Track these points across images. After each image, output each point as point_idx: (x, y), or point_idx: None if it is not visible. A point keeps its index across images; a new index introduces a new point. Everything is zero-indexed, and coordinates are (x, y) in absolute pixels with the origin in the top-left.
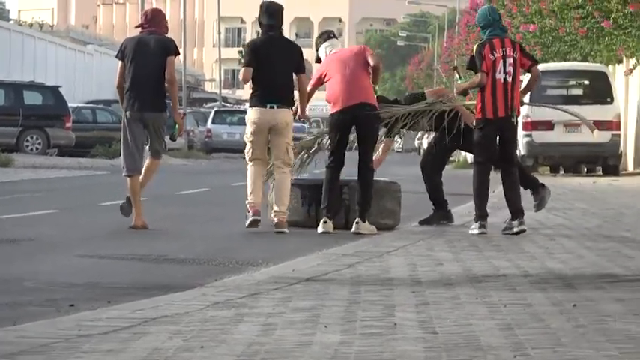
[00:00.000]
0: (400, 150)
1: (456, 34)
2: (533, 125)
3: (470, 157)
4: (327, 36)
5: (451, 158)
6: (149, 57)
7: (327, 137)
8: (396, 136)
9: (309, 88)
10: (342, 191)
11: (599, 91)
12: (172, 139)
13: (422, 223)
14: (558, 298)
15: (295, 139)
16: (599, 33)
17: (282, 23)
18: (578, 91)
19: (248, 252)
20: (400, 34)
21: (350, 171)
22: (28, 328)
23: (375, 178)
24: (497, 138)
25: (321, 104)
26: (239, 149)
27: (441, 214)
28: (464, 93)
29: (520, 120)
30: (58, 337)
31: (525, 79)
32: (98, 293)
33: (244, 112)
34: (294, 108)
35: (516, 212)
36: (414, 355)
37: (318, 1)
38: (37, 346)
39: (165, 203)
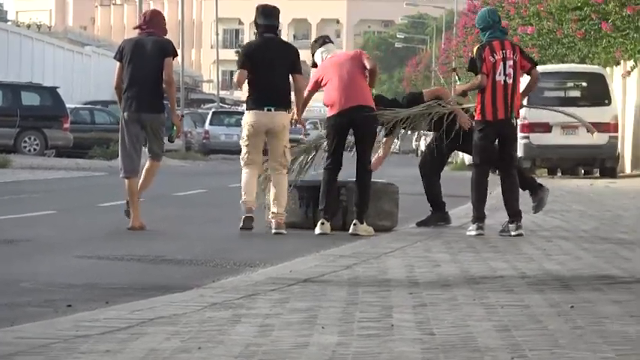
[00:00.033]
0: (397, 151)
1: (454, 35)
2: (530, 127)
3: (467, 158)
4: (322, 41)
5: (449, 160)
6: (147, 58)
7: (325, 141)
8: (395, 138)
9: (305, 93)
10: (339, 193)
11: (597, 93)
12: (170, 140)
13: (419, 224)
14: (556, 299)
15: (291, 140)
16: (596, 35)
17: (278, 24)
18: (576, 93)
19: (245, 253)
20: (398, 36)
21: (347, 172)
22: (26, 328)
23: (372, 180)
24: (497, 140)
25: (319, 105)
26: (237, 150)
27: (438, 216)
28: (463, 94)
29: (518, 122)
30: (56, 337)
31: (523, 81)
32: (96, 294)
33: (242, 113)
34: (290, 115)
35: (514, 215)
36: (411, 356)
37: (316, 3)
38: (35, 347)
39: (163, 204)
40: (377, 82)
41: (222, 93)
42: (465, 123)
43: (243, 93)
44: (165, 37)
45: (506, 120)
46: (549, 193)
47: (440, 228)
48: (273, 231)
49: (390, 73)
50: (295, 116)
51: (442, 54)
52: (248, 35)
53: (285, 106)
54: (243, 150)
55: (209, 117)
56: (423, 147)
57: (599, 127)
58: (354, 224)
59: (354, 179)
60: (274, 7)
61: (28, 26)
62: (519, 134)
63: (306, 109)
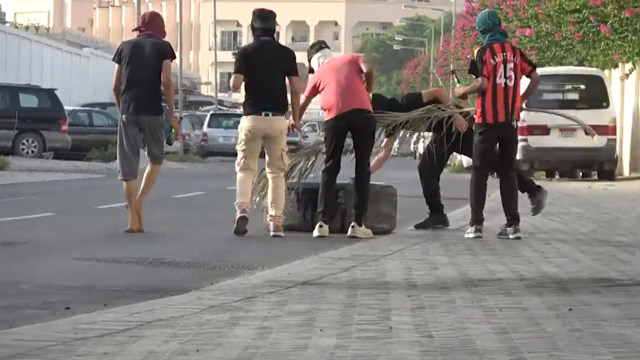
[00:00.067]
0: (396, 154)
1: (452, 37)
2: (529, 130)
3: (465, 160)
4: (319, 46)
5: (447, 162)
6: (145, 60)
7: (324, 145)
8: (395, 140)
9: (303, 98)
10: (337, 195)
11: (595, 95)
12: (169, 142)
13: (418, 227)
14: (554, 302)
15: (289, 143)
16: (595, 37)
17: (275, 28)
18: (575, 96)
19: (244, 256)
20: (396, 38)
21: (343, 173)
22: (24, 331)
23: (371, 182)
24: (497, 142)
25: (317, 108)
26: (235, 153)
27: (436, 218)
28: (463, 97)
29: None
30: (55, 340)
31: (523, 84)
32: (94, 296)
33: (240, 115)
34: (288, 121)
35: (513, 218)
36: (409, 359)
37: (315, 5)
38: (33, 349)
39: (161, 206)
40: (375, 85)
41: (221, 95)
42: (461, 126)
43: (241, 95)
44: (163, 39)
45: (506, 123)
46: (547, 195)
47: (438, 230)
48: (272, 233)
49: (389, 76)
50: (293, 122)
51: (440, 56)
52: (246, 37)
53: (283, 110)
54: (239, 155)
55: (207, 119)
56: (421, 149)
57: (598, 129)
58: (353, 227)
59: (353, 181)
60: (271, 11)
61: (27, 28)
62: (518, 137)
63: (304, 111)
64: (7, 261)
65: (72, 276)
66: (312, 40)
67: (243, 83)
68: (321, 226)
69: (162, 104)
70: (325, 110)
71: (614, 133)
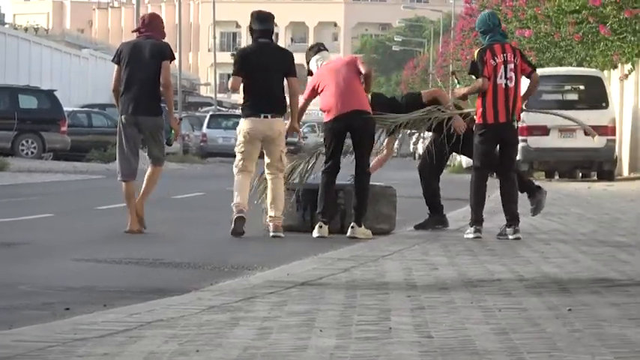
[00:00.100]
0: (395, 154)
1: (452, 39)
2: (528, 130)
3: (465, 161)
4: (317, 49)
5: (447, 163)
6: (144, 61)
7: (323, 147)
8: (396, 140)
9: (302, 101)
10: (337, 195)
11: (595, 96)
12: (168, 143)
13: (417, 227)
14: (554, 302)
15: (288, 143)
16: (594, 38)
17: (273, 29)
18: (574, 96)
19: (243, 256)
20: (395, 39)
21: (343, 173)
22: (24, 331)
23: (370, 183)
24: (498, 143)
25: (317, 108)
26: (234, 154)
27: (436, 219)
28: (463, 98)
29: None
30: (54, 340)
31: (523, 85)
32: (94, 297)
33: (240, 116)
34: (286, 125)
35: (512, 219)
36: (409, 359)
37: (314, 6)
38: (33, 350)
39: (161, 207)
40: (374, 86)
41: (220, 96)
42: (459, 127)
43: (240, 96)
44: (163, 40)
45: (507, 123)
46: (547, 196)
47: (438, 231)
48: (271, 234)
49: (388, 76)
50: (293, 124)
51: (440, 57)
52: (245, 38)
53: (282, 111)
54: (238, 157)
55: (206, 120)
56: (420, 150)
57: (597, 130)
58: (352, 227)
59: (352, 181)
60: (269, 13)
61: (26, 29)
62: None
63: (304, 113)
64: (6, 262)
65: (72, 277)
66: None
67: (242, 85)
68: (320, 227)
69: (162, 105)
70: (324, 112)
71: (614, 134)
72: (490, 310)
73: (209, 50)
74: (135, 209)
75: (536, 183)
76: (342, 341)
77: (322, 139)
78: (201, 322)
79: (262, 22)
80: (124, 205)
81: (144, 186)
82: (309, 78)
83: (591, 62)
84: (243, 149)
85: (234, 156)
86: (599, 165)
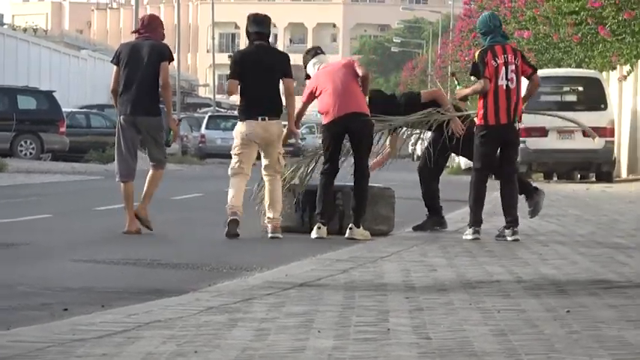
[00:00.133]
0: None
1: (450, 40)
2: (526, 131)
3: (463, 162)
4: (314, 52)
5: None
6: (143, 62)
7: (322, 151)
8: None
9: (300, 104)
10: (335, 197)
11: (593, 97)
12: (167, 144)
13: (416, 228)
14: (552, 304)
15: (286, 144)
16: (593, 39)
17: (269, 32)
18: (572, 98)
19: (242, 257)
20: (394, 40)
21: (343, 174)
22: (22, 332)
23: (369, 184)
24: (499, 145)
25: (315, 110)
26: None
27: (434, 220)
28: (464, 99)
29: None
30: (53, 341)
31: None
32: (92, 298)
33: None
34: (284, 131)
35: (512, 221)
36: None
37: (313, 7)
38: (31, 351)
39: (160, 208)
40: (373, 86)
41: (218, 97)
42: (458, 129)
43: (239, 97)
44: (162, 41)
45: (508, 125)
46: (545, 197)
47: (436, 232)
48: (270, 235)
49: (387, 77)
50: (290, 126)
51: (438, 58)
52: (244, 39)
53: (279, 113)
54: (234, 159)
55: (205, 121)
56: (419, 151)
57: (596, 131)
58: (351, 228)
59: (348, 183)
60: (265, 16)
61: (25, 30)
62: None
63: (302, 117)
64: (5, 262)
65: (70, 277)
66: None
67: (239, 88)
68: (319, 228)
69: (161, 106)
70: (322, 114)
71: (612, 135)
72: (488, 311)
73: (208, 51)
74: (133, 210)
75: (534, 184)
76: (341, 342)
77: (321, 141)
78: (200, 323)
79: (258, 25)
80: (123, 205)
81: (145, 189)
82: (307, 81)
83: (590, 63)
84: (240, 152)
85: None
86: (597, 166)
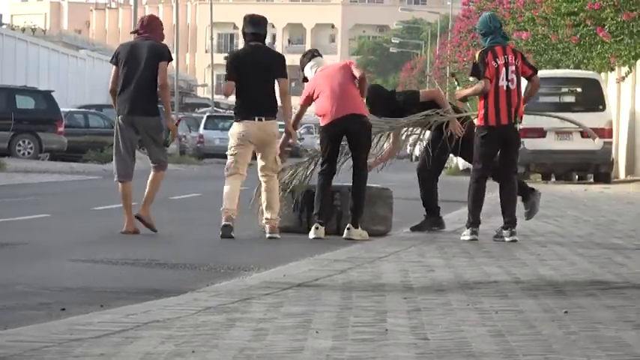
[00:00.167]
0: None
1: (449, 40)
2: (524, 132)
3: (461, 163)
4: (311, 55)
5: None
6: (142, 62)
7: (319, 154)
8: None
9: (298, 108)
10: (333, 197)
11: (592, 98)
12: (166, 144)
13: (413, 229)
14: (550, 304)
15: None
16: (591, 41)
17: (265, 33)
18: (571, 99)
19: (240, 257)
20: (393, 41)
21: (341, 176)
22: (20, 332)
23: (367, 184)
24: (499, 145)
25: (313, 110)
26: None
27: (432, 221)
28: (464, 99)
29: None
30: (51, 341)
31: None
32: (90, 297)
33: None
34: (282, 137)
35: (510, 222)
36: None
37: (311, 8)
38: (29, 350)
39: (158, 208)
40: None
41: (217, 97)
42: (456, 131)
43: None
44: (162, 42)
45: (509, 125)
46: (541, 197)
47: (434, 233)
48: (267, 235)
49: (385, 78)
50: (287, 127)
51: (437, 59)
52: (242, 40)
53: (275, 113)
54: (230, 160)
55: (203, 121)
56: (417, 152)
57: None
58: (348, 228)
59: (345, 183)
60: (262, 17)
61: (23, 30)
62: None
63: (300, 120)
64: (3, 262)
65: (68, 277)
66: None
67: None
68: (317, 228)
69: (159, 106)
70: (320, 116)
71: (610, 136)
72: (486, 312)
73: (206, 51)
74: (131, 210)
75: (530, 185)
76: (339, 343)
77: (319, 142)
78: (198, 323)
79: (255, 26)
80: (121, 205)
81: (147, 191)
82: (305, 84)
83: (588, 65)
84: (236, 152)
85: None
86: (595, 167)
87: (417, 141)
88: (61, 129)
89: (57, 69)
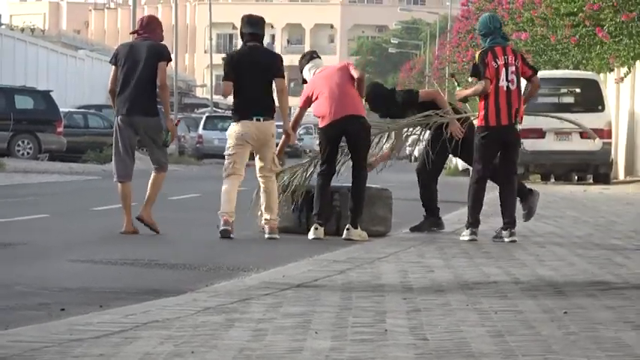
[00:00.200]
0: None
1: (448, 41)
2: (524, 133)
3: (461, 164)
4: (309, 56)
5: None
6: (141, 62)
7: (319, 156)
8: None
9: (297, 110)
10: (332, 198)
11: (591, 99)
12: (165, 145)
13: (413, 229)
14: (549, 305)
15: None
16: (590, 41)
17: (263, 34)
18: (570, 99)
19: (239, 258)
20: (392, 41)
21: (340, 176)
22: (20, 332)
23: (366, 185)
24: (499, 146)
25: (312, 110)
26: None
27: (431, 221)
28: (464, 100)
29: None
30: (50, 341)
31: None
32: (90, 298)
33: None
34: (281, 139)
35: (510, 222)
36: None
37: (310, 8)
38: (28, 351)
39: (157, 208)
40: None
41: (216, 98)
42: (456, 132)
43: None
44: (161, 42)
45: (509, 126)
46: (539, 197)
47: (433, 233)
48: (267, 236)
49: (384, 78)
50: (286, 127)
51: (436, 59)
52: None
53: (272, 114)
54: (228, 160)
55: (202, 121)
56: (417, 152)
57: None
58: (348, 229)
59: (345, 184)
60: (260, 17)
61: (22, 30)
62: None
63: (299, 122)
64: (2, 262)
65: (67, 277)
66: (307, 43)
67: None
68: (316, 229)
69: (158, 107)
70: (319, 118)
71: (610, 137)
72: (486, 312)
73: (205, 52)
74: (130, 210)
75: (529, 186)
76: (338, 343)
77: (318, 143)
78: (197, 323)
79: (253, 26)
80: (120, 206)
81: (148, 193)
82: (304, 86)
83: (587, 65)
84: (234, 152)
85: None
86: (595, 168)
87: (416, 141)
88: (60, 129)
89: (56, 69)
